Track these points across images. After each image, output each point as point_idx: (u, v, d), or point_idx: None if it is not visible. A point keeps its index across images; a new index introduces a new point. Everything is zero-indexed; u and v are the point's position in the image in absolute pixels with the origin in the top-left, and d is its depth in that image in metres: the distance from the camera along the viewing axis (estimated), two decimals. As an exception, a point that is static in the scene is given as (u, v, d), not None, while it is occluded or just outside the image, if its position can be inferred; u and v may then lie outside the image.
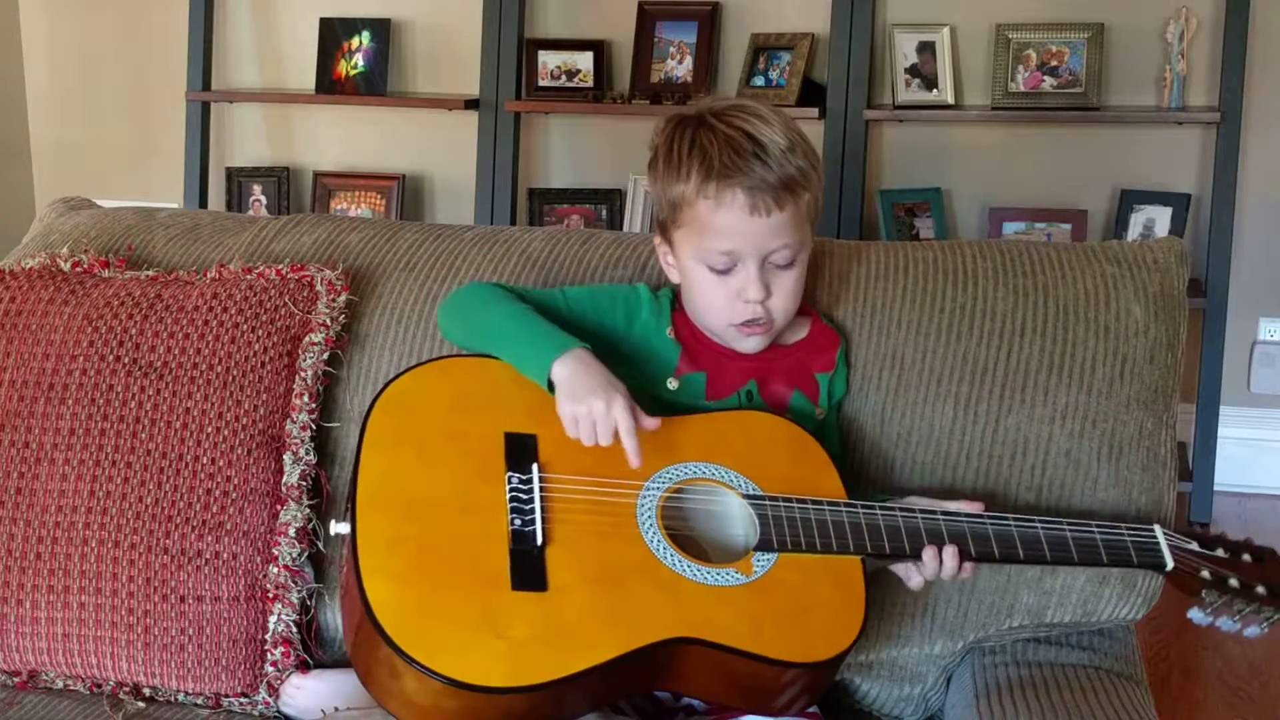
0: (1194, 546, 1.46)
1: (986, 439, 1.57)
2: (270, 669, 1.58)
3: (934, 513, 1.43)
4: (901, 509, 1.44)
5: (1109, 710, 1.42)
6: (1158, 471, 1.56)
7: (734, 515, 1.44)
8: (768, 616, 1.33)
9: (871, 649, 1.57)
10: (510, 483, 1.39)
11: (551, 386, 1.44)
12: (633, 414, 1.42)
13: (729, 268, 1.50)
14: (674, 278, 1.59)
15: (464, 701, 1.26)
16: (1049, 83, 3.57)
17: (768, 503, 1.42)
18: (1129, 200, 3.58)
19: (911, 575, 1.43)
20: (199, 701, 1.58)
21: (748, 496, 1.42)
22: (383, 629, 1.27)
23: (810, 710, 1.46)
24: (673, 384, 1.55)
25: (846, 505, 1.43)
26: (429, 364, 1.53)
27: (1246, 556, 1.48)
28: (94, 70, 4.34)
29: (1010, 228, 3.63)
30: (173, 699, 1.58)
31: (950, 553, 1.40)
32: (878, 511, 1.43)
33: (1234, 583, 1.43)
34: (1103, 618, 1.54)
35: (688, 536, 1.42)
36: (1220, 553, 1.47)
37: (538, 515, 1.36)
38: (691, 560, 1.36)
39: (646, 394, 1.50)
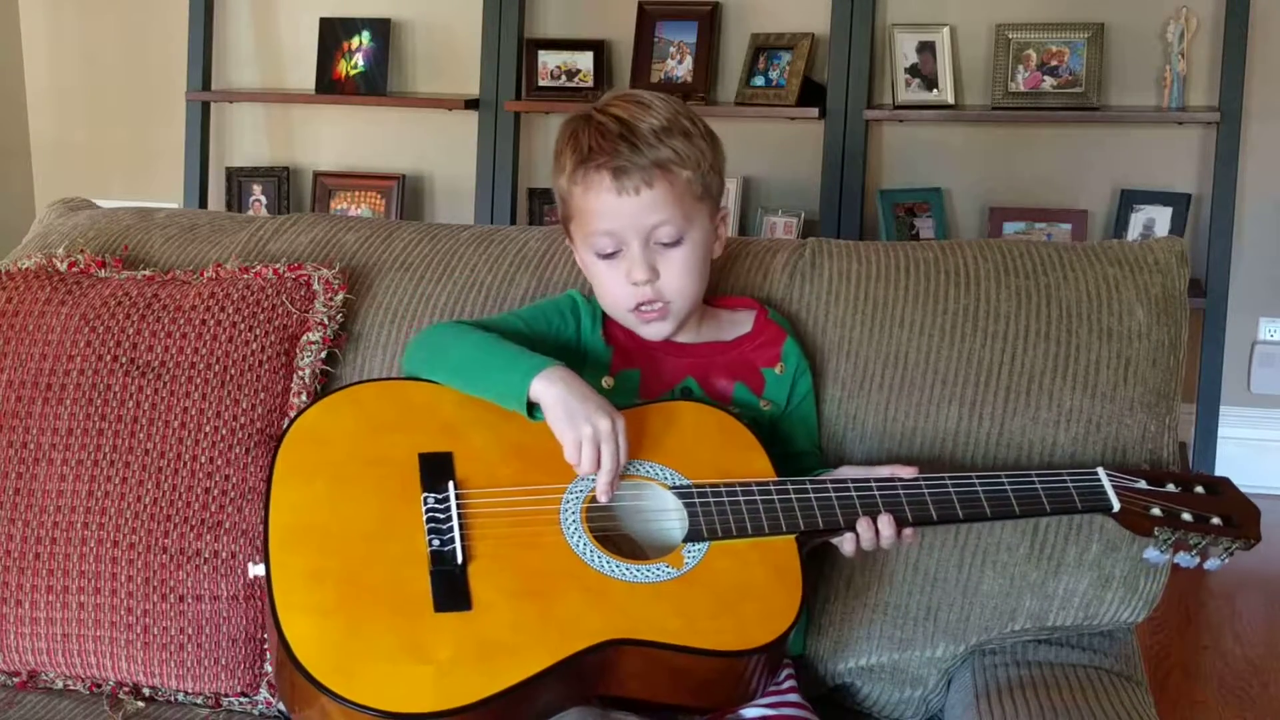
0: (1141, 484, 1.42)
1: (991, 442, 1.57)
2: (270, 668, 1.57)
3: (867, 482, 1.41)
4: (834, 481, 1.42)
5: (1109, 710, 1.42)
6: (1159, 473, 1.56)
7: (664, 508, 1.41)
8: (701, 608, 1.31)
9: (873, 653, 1.57)
10: (426, 503, 1.36)
11: (530, 410, 1.40)
12: (629, 440, 1.39)
13: (615, 250, 1.50)
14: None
15: None
16: (1049, 82, 3.56)
17: (695, 491, 1.40)
18: (1129, 200, 3.58)
19: (845, 544, 1.41)
20: (199, 701, 1.58)
21: (674, 488, 1.40)
22: (303, 667, 1.24)
23: (795, 700, 1.45)
24: (607, 382, 1.53)
25: (776, 484, 1.41)
26: (337, 393, 1.48)
27: (1199, 489, 1.43)
28: (94, 70, 4.34)
29: (1010, 228, 3.63)
30: (172, 699, 1.58)
31: (885, 521, 1.38)
32: (809, 487, 1.41)
33: (1187, 516, 1.39)
34: (1104, 621, 1.54)
35: (619, 536, 1.39)
36: (1171, 488, 1.42)
37: (456, 533, 1.33)
38: (620, 560, 1.34)
39: None
